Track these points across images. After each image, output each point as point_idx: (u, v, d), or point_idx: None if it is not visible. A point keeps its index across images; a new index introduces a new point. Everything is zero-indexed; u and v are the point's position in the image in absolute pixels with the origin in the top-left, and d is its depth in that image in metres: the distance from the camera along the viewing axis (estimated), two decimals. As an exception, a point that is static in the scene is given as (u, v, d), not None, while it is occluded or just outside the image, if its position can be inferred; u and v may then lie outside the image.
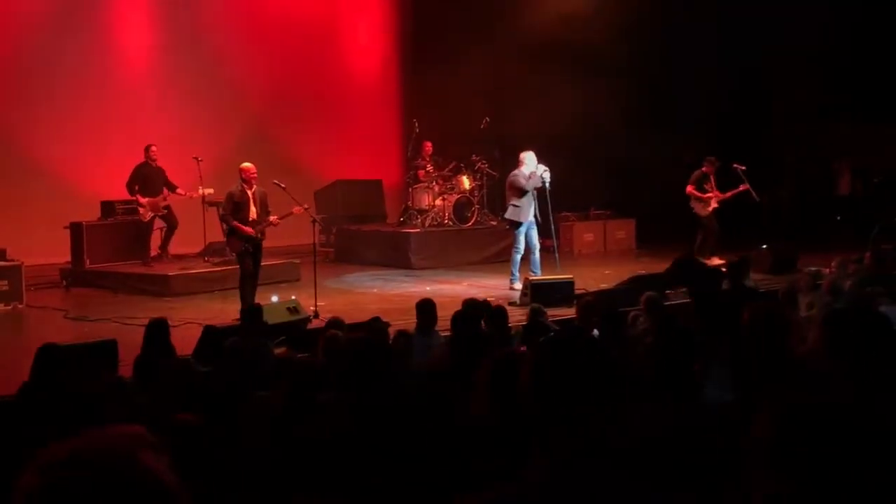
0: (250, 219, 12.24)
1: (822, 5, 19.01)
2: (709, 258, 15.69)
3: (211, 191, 14.93)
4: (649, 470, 2.65)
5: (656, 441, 3.80)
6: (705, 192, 16.41)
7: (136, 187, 15.57)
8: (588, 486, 2.40)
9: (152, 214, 15.65)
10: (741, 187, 16.38)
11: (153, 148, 15.66)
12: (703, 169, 16.49)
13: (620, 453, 2.71)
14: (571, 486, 2.40)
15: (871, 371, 3.66)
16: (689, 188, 16.47)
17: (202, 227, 15.59)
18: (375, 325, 8.80)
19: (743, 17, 19.58)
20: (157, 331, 8.25)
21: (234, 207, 12.25)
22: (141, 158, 15.75)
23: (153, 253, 15.85)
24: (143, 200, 15.52)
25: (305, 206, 12.98)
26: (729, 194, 16.43)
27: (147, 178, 15.60)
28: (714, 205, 16.39)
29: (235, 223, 12.20)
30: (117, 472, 1.52)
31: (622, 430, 3.61)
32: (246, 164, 12.44)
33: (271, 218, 12.43)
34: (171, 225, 15.99)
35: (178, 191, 15.69)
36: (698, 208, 16.44)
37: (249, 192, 12.29)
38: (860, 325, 3.84)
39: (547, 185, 14.32)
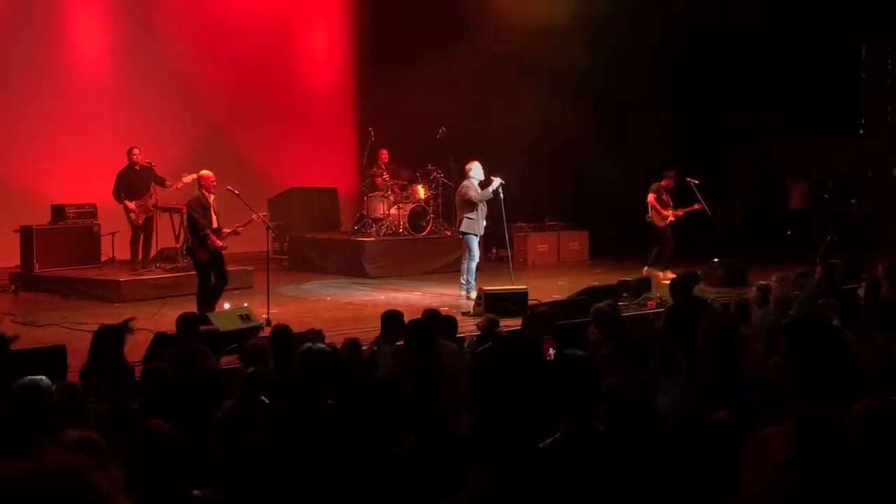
0: (213, 226, 12.15)
1: (773, 24, 19.28)
2: (662, 271, 15.79)
3: (193, 176, 13.48)
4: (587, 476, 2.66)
5: (597, 447, 3.82)
6: (664, 204, 16.44)
7: (122, 193, 15.34)
8: (528, 493, 2.41)
9: (144, 216, 15.42)
10: (696, 206, 16.45)
11: (135, 151, 15.34)
12: (663, 182, 16.50)
13: (556, 460, 2.73)
14: (513, 496, 2.41)
15: (825, 383, 3.71)
16: (651, 197, 16.45)
17: (153, 233, 15.48)
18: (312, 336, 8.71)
19: (696, 34, 19.80)
20: (105, 338, 8.11)
21: (204, 215, 12.15)
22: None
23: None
24: (131, 205, 15.28)
25: (262, 213, 12.90)
26: (681, 212, 16.48)
27: (131, 183, 15.34)
28: (671, 219, 16.44)
29: (212, 236, 12.08)
30: (67, 495, 1.51)
31: (557, 438, 3.62)
32: (205, 172, 12.31)
33: (238, 227, 12.35)
34: (145, 234, 15.55)
35: (167, 183, 15.30)
36: (656, 219, 16.45)
37: (210, 201, 12.20)
38: (816, 337, 3.89)
39: (501, 196, 14.38)
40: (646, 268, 15.90)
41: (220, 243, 12.10)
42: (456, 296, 14.54)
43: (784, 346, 4.11)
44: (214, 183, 12.22)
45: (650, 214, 16.47)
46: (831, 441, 1.83)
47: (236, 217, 12.56)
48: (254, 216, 12.50)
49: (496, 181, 14.34)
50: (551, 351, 7.19)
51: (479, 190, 14.38)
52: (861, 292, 10.60)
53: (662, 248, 16.40)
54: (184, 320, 8.97)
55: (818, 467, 1.80)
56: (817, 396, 3.63)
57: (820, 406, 3.42)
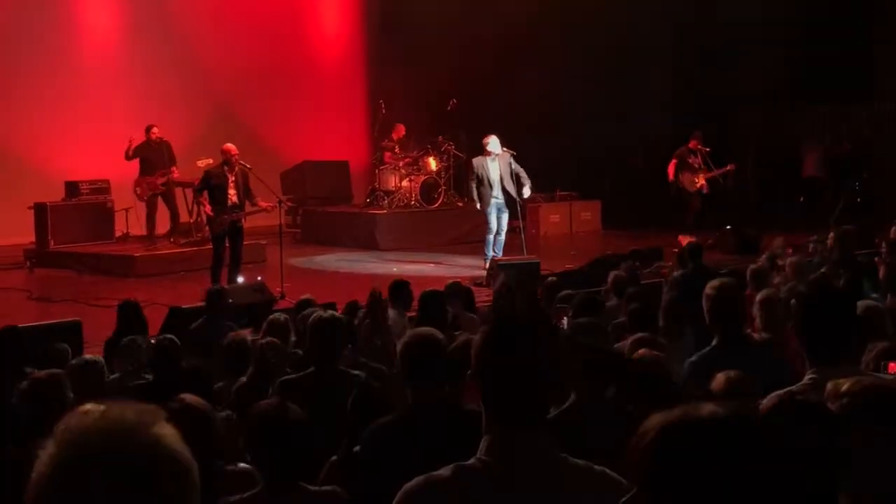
0: (229, 202, 12.18)
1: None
2: (685, 236, 15.64)
3: (210, 160, 13.63)
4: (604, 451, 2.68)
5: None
6: (689, 167, 16.20)
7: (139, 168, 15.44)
8: (532, 463, 2.44)
9: (150, 193, 15.47)
10: (728, 167, 16.28)
11: (154, 129, 15.41)
12: (690, 144, 16.31)
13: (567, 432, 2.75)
14: (519, 468, 2.44)
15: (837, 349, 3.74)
16: (670, 165, 16.30)
17: (177, 208, 15.61)
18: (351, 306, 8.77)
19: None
20: (129, 312, 8.19)
21: (207, 186, 12.20)
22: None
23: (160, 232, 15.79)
24: (139, 179, 15.35)
25: (286, 198, 12.99)
26: (715, 173, 16.26)
27: (146, 158, 15.40)
28: (701, 181, 16.18)
29: (201, 198, 12.18)
30: (137, 444, 1.54)
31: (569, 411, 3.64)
32: (228, 145, 12.34)
33: (264, 204, 12.45)
34: (170, 208, 15.70)
35: (174, 170, 15.43)
36: (686, 184, 16.30)
37: (230, 176, 12.21)
38: (826, 304, 3.92)
39: (513, 168, 14.34)
40: (680, 236, 15.68)
41: (207, 209, 12.17)
42: (471, 267, 14.56)
43: (796, 315, 4.14)
44: (237, 155, 12.24)
45: (680, 179, 16.20)
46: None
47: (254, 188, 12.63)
48: (277, 200, 12.63)
49: (507, 153, 14.30)
50: (564, 320, 7.21)
51: (489, 172, 14.26)
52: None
53: (686, 213, 16.21)
54: (212, 294, 9.04)
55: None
56: (829, 363, 3.66)
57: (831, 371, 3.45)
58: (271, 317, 7.47)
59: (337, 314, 6.27)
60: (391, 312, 8.29)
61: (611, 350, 5.44)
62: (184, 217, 15.78)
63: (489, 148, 14.34)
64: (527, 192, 14.50)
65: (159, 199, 15.60)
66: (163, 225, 15.87)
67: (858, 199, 17.71)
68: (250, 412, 4.01)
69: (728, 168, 16.30)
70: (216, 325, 8.30)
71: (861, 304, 5.99)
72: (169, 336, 6.84)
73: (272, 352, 6.05)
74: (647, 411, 1.92)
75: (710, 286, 5.21)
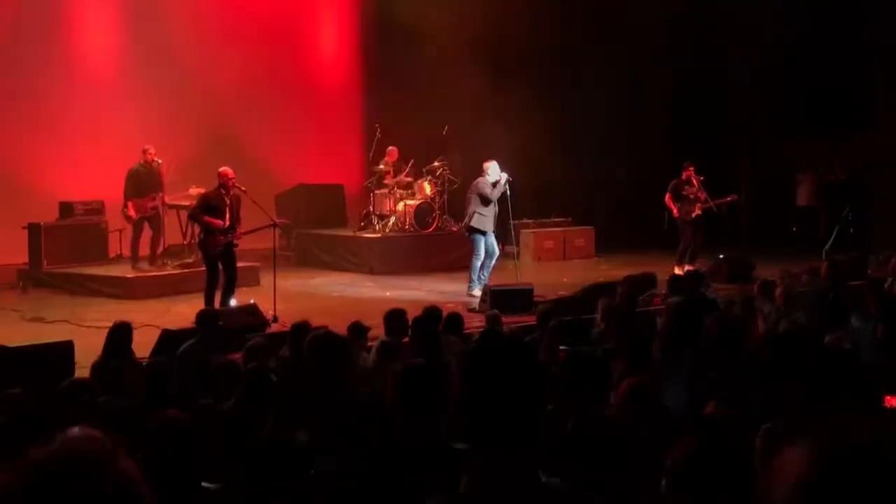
0: (225, 225, 12.20)
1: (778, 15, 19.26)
2: (679, 266, 15.67)
3: (202, 190, 13.70)
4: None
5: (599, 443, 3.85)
6: (685, 198, 16.24)
7: (129, 190, 15.35)
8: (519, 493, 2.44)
9: (139, 215, 15.45)
10: (729, 198, 16.27)
11: (150, 150, 15.39)
12: (683, 176, 16.30)
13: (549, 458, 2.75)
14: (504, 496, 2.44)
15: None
16: (667, 196, 16.35)
17: (162, 230, 15.58)
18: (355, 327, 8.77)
19: (699, 26, 19.81)
20: (120, 335, 8.18)
21: (206, 209, 12.20)
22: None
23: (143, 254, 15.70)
24: (130, 203, 15.34)
25: (281, 220, 12.97)
26: (714, 203, 16.19)
27: (141, 180, 15.37)
28: (697, 212, 16.16)
29: (207, 217, 12.15)
30: (94, 476, 1.54)
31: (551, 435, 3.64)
32: (225, 168, 12.35)
33: (253, 230, 12.52)
34: (155, 230, 15.66)
35: (161, 194, 15.44)
36: (682, 214, 16.29)
37: (226, 198, 12.24)
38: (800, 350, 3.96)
39: (508, 193, 14.40)
40: (676, 268, 15.67)
41: (218, 222, 12.14)
42: (462, 292, 14.58)
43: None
44: (232, 179, 12.25)
45: (676, 210, 16.20)
46: (855, 463, 1.83)
47: (246, 212, 12.61)
48: (272, 221, 12.62)
49: (503, 177, 14.35)
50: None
51: (492, 188, 14.36)
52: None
53: (681, 243, 16.23)
54: (203, 316, 9.03)
55: (841, 492, 1.80)
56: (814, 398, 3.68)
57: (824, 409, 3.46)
58: (252, 341, 7.48)
59: (335, 333, 6.27)
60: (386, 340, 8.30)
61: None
62: (176, 239, 15.76)
63: (490, 172, 14.38)
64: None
65: (145, 222, 15.58)
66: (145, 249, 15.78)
67: (852, 230, 17.74)
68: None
69: (728, 199, 16.27)
70: (207, 347, 8.29)
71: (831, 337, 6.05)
72: (159, 359, 6.84)
73: (259, 377, 6.03)
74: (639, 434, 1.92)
75: (714, 317, 5.25)
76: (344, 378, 5.63)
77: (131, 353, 8.13)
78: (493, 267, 14.79)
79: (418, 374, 4.13)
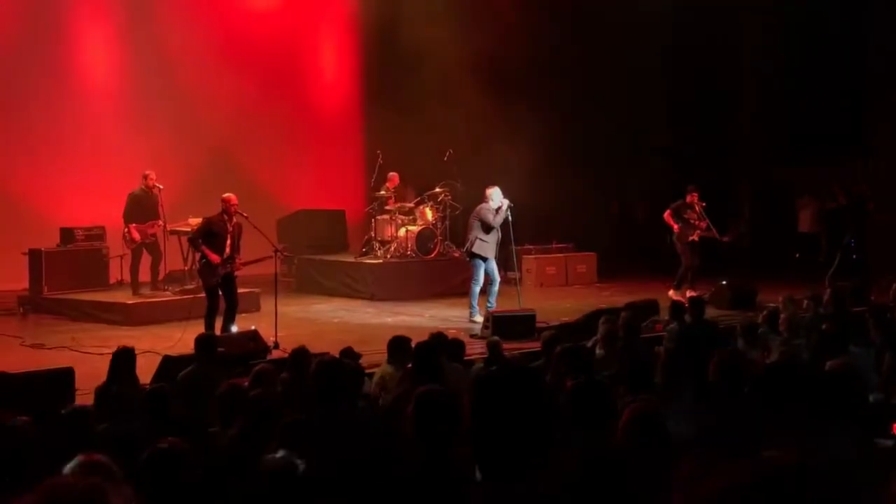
0: (225, 253, 12.19)
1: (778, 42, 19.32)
2: (677, 290, 15.64)
3: (199, 220, 13.61)
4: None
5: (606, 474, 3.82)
6: (685, 221, 16.25)
7: (130, 216, 15.33)
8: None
9: (139, 241, 15.44)
10: (725, 238, 16.26)
11: (151, 175, 15.36)
12: (687, 199, 16.30)
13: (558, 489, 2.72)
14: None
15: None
16: (666, 213, 16.35)
17: (162, 256, 15.54)
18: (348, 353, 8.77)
19: (701, 53, 19.87)
20: (123, 360, 8.14)
21: (208, 235, 12.18)
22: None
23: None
24: (132, 227, 15.33)
25: (281, 246, 12.95)
26: (711, 233, 16.20)
27: (141, 206, 15.35)
28: (694, 237, 16.17)
29: (204, 247, 12.12)
30: None
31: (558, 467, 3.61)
32: (229, 195, 12.32)
33: (255, 260, 12.51)
34: (154, 256, 15.65)
35: (159, 223, 15.41)
36: (681, 234, 16.20)
37: (229, 225, 12.22)
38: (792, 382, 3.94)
39: (510, 219, 14.39)
40: (671, 291, 15.67)
41: (214, 257, 12.11)
42: (464, 318, 14.56)
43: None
44: (235, 205, 12.23)
45: (674, 232, 16.22)
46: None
47: (247, 238, 12.60)
48: (272, 251, 12.61)
49: (504, 203, 14.35)
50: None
51: (495, 214, 14.37)
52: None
53: (680, 267, 16.23)
54: (201, 341, 8.99)
55: None
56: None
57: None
58: (258, 367, 7.44)
59: (341, 359, 6.26)
60: (388, 367, 8.27)
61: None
62: (178, 265, 15.74)
63: (493, 198, 14.38)
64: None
65: (144, 248, 15.57)
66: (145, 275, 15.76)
67: (854, 256, 17.71)
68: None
69: (724, 239, 16.29)
70: (206, 372, 8.25)
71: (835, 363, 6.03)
72: (161, 385, 6.81)
73: (263, 403, 6.00)
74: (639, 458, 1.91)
75: (718, 353, 5.25)
76: (350, 404, 5.61)
77: (135, 378, 8.10)
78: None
79: (434, 402, 4.08)
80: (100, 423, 6.53)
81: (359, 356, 8.90)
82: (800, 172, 20.33)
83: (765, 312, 10.24)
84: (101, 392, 7.79)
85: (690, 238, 16.13)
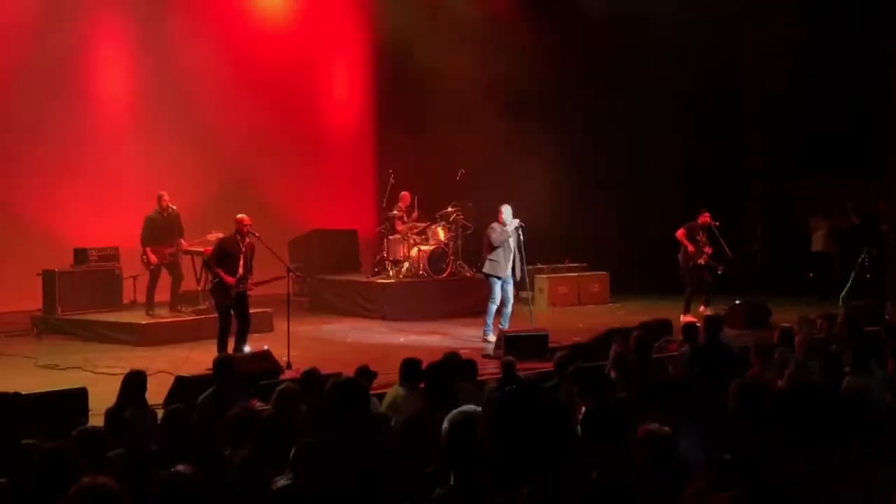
0: (239, 272, 12.22)
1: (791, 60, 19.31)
2: (685, 314, 15.60)
3: (220, 234, 13.60)
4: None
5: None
6: (696, 242, 16.18)
7: (146, 237, 15.37)
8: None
9: (157, 263, 15.46)
10: (719, 270, 16.24)
11: (165, 196, 15.39)
12: (699, 220, 16.27)
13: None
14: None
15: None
16: (680, 232, 16.32)
17: (180, 277, 15.58)
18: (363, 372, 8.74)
19: (714, 73, 19.87)
20: (134, 384, 8.11)
21: (223, 256, 12.22)
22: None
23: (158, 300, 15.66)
24: (148, 249, 15.36)
25: (294, 266, 12.96)
26: (714, 263, 16.16)
27: (157, 227, 15.38)
28: (703, 259, 16.15)
29: (219, 270, 12.16)
30: None
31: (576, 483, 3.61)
32: (242, 216, 12.39)
33: (267, 280, 12.52)
34: (174, 277, 15.63)
35: (182, 241, 15.39)
36: (685, 257, 16.18)
37: (242, 245, 12.27)
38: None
39: (521, 238, 14.39)
40: (682, 316, 15.56)
41: (229, 279, 12.14)
42: (477, 338, 14.54)
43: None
44: (248, 226, 12.29)
45: (680, 253, 16.20)
46: None
47: (260, 258, 12.63)
48: (284, 271, 12.63)
49: (514, 223, 14.36)
50: (583, 409, 7.12)
51: (500, 234, 14.39)
52: None
53: (686, 290, 16.20)
54: (220, 363, 8.99)
55: None
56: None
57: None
58: (282, 387, 7.40)
59: (355, 380, 6.25)
60: (400, 388, 8.25)
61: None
62: (191, 285, 15.76)
63: (503, 217, 14.41)
64: (517, 273, 14.54)
65: (163, 268, 15.58)
66: (161, 294, 15.76)
67: (867, 275, 17.66)
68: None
69: (718, 271, 16.26)
70: (226, 394, 8.23)
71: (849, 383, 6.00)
72: (179, 406, 6.79)
73: (274, 425, 5.98)
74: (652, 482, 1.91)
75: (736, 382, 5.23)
76: (365, 425, 5.60)
77: (144, 402, 8.08)
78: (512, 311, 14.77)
79: (463, 423, 4.05)
80: (112, 446, 6.52)
81: (374, 375, 8.87)
82: (813, 191, 20.28)
83: (779, 332, 10.19)
84: (112, 414, 7.78)
85: (697, 261, 16.12)
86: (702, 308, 15.89)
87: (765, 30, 20.09)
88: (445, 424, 4.10)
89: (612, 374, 8.62)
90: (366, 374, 8.68)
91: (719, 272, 16.33)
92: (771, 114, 20.24)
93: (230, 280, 12.15)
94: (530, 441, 2.42)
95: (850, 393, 5.85)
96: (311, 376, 8.13)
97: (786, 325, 10.36)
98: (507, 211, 14.48)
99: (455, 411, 4.20)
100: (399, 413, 7.68)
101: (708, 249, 16.17)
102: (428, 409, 6.86)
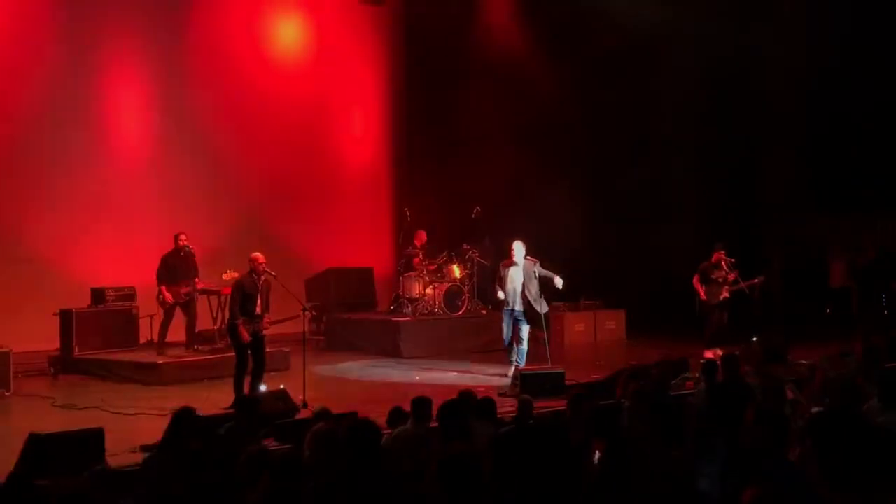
0: (256, 311, 12.23)
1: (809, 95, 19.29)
2: (709, 349, 15.49)
3: (235, 274, 13.58)
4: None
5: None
6: (713, 281, 16.11)
7: (163, 276, 15.35)
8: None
9: (172, 302, 15.49)
10: (756, 280, 16.13)
11: (182, 236, 15.39)
12: (713, 259, 16.11)
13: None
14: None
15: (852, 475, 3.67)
16: (694, 279, 16.24)
17: (195, 316, 15.58)
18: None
19: (730, 108, 19.86)
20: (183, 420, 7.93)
21: (243, 301, 12.22)
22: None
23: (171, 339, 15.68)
24: (163, 288, 15.41)
25: (309, 305, 12.98)
26: (743, 285, 16.05)
27: (174, 267, 15.39)
28: (725, 294, 16.05)
29: (241, 326, 12.13)
30: None
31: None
32: (256, 254, 12.40)
33: (284, 319, 12.50)
34: (189, 316, 15.59)
35: (196, 281, 15.38)
36: (709, 297, 16.04)
37: (258, 284, 12.30)
38: (847, 435, 3.87)
39: (537, 275, 14.37)
40: (705, 352, 15.45)
41: (245, 336, 12.14)
42: (493, 375, 14.51)
43: (810, 441, 4.08)
44: (263, 264, 12.30)
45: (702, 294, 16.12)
46: None
47: (276, 297, 12.64)
48: (300, 310, 12.64)
49: (522, 261, 14.38)
50: (597, 453, 7.06)
51: (510, 272, 14.41)
52: None
53: (706, 326, 16.11)
54: (243, 402, 8.95)
55: None
56: (846, 487, 3.58)
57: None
58: (316, 427, 7.32)
59: (372, 421, 6.21)
60: (409, 428, 8.20)
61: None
62: (207, 324, 15.78)
63: (513, 254, 14.44)
64: (559, 282, 14.53)
65: (178, 308, 15.60)
66: (177, 333, 15.78)
67: (886, 311, 17.55)
68: None
69: (755, 281, 16.15)
70: (245, 434, 8.17)
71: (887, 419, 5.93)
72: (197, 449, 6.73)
73: (288, 465, 5.93)
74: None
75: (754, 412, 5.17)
76: (379, 465, 5.57)
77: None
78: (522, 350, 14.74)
79: (457, 462, 4.05)
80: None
81: (407, 415, 8.77)
82: (833, 226, 20.21)
83: (798, 366, 10.11)
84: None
85: (721, 297, 16.01)
86: (717, 349, 15.78)
87: (785, 59, 20.00)
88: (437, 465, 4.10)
89: (629, 412, 8.57)
90: (399, 415, 8.61)
91: (748, 292, 16.17)
92: (790, 148, 20.19)
93: (245, 338, 12.13)
94: (535, 482, 2.40)
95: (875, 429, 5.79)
96: (322, 417, 8.06)
97: (804, 361, 10.30)
98: (517, 247, 14.50)
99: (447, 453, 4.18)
100: (408, 452, 7.62)
101: (731, 276, 16.06)
102: (442, 448, 6.81)
